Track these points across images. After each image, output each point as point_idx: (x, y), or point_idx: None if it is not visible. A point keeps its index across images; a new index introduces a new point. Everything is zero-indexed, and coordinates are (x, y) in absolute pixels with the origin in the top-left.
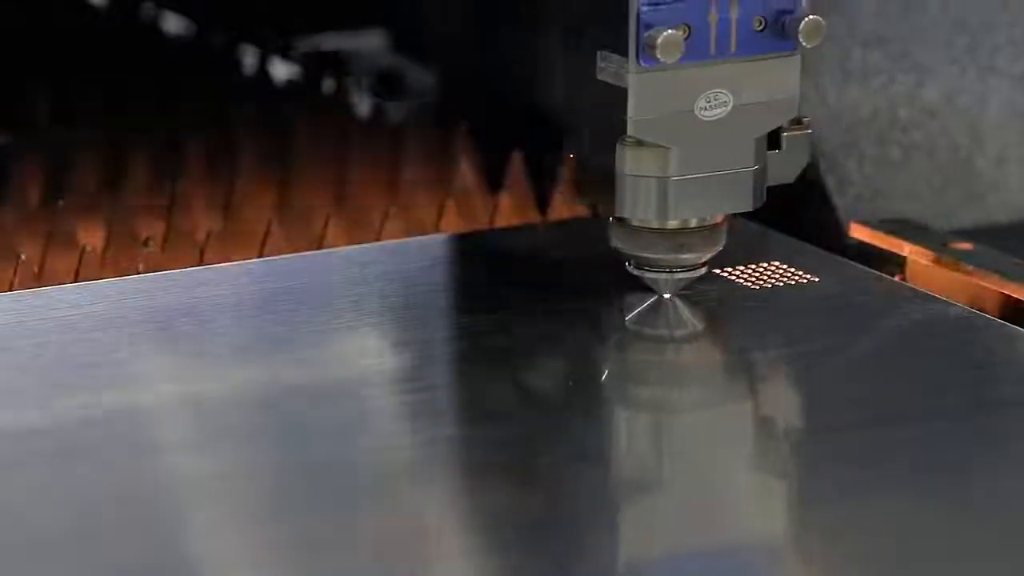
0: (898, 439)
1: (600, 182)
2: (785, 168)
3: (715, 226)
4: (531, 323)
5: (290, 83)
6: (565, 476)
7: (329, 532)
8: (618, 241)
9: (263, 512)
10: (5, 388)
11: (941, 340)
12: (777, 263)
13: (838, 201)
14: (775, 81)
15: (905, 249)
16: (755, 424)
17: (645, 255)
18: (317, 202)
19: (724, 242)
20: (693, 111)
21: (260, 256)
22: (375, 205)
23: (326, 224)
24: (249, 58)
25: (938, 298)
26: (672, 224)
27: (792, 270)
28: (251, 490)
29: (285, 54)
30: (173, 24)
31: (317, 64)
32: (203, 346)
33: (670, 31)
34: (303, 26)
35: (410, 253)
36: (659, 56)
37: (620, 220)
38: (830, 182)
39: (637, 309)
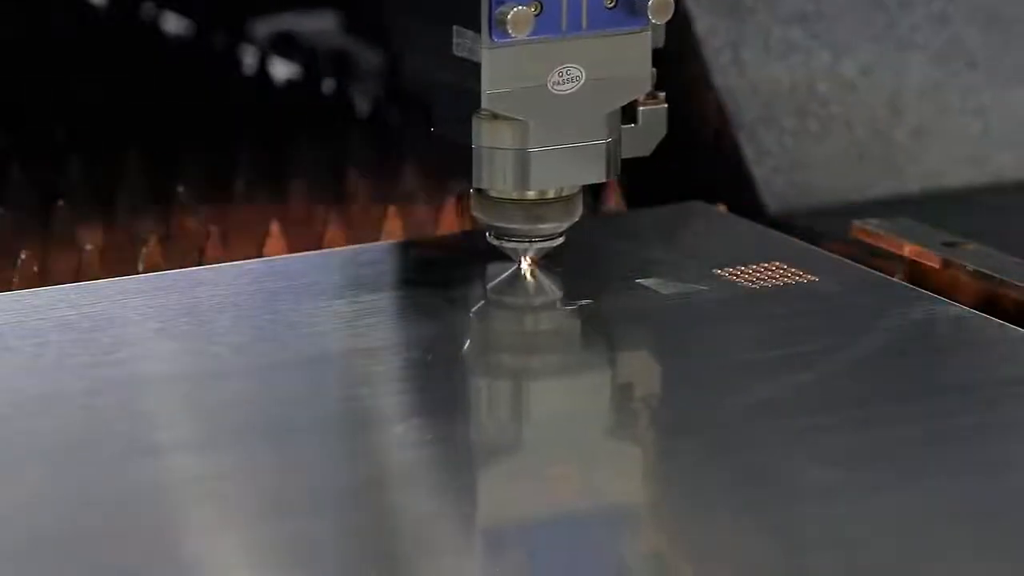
0: (897, 439)
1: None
2: (642, 141)
3: (571, 197)
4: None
5: (290, 83)
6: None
7: (328, 532)
8: (478, 211)
9: (263, 512)
10: (5, 388)
11: (941, 340)
12: (777, 263)
13: (756, 171)
14: (627, 57)
15: (905, 249)
16: (614, 390)
17: (504, 225)
18: (317, 202)
19: (581, 212)
20: (546, 85)
21: (260, 256)
22: (375, 205)
23: (326, 224)
24: (249, 58)
25: (938, 298)
26: (530, 195)
27: (792, 270)
28: (251, 490)
29: (282, 50)
30: (173, 24)
31: (317, 62)
32: (203, 346)
33: (520, 7)
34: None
35: (409, 253)
36: (510, 31)
37: (479, 191)
38: (748, 153)
39: (497, 278)
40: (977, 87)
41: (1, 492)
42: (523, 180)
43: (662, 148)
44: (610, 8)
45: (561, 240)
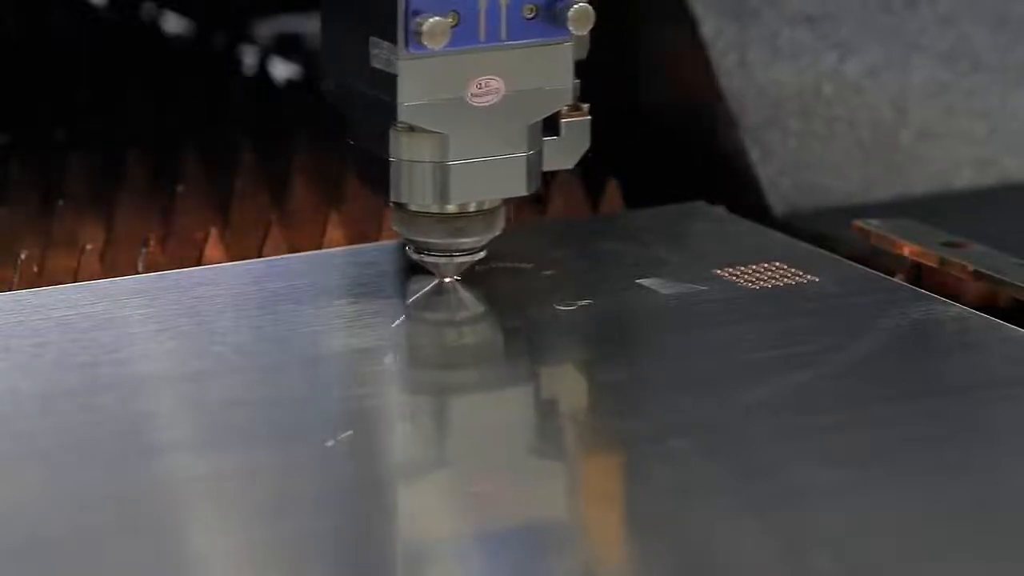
0: (897, 439)
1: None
2: (564, 153)
3: (493, 210)
4: None
5: (290, 83)
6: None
7: (329, 532)
8: (398, 226)
9: (263, 512)
10: (5, 388)
11: (941, 340)
12: (777, 263)
13: (761, 173)
14: (548, 68)
15: (905, 249)
16: (538, 406)
17: (424, 239)
18: (317, 202)
19: (503, 226)
20: (464, 97)
21: (260, 256)
22: (374, 205)
23: (326, 224)
24: (249, 58)
25: (938, 298)
26: (450, 209)
27: (792, 270)
28: (251, 490)
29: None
30: (173, 24)
31: (317, 62)
32: (203, 346)
33: (436, 18)
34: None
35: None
36: (425, 43)
37: (399, 205)
38: (754, 154)
39: (418, 293)
40: (983, 89)
41: (1, 492)
42: (443, 194)
43: (669, 149)
44: (530, 19)
45: (483, 254)
